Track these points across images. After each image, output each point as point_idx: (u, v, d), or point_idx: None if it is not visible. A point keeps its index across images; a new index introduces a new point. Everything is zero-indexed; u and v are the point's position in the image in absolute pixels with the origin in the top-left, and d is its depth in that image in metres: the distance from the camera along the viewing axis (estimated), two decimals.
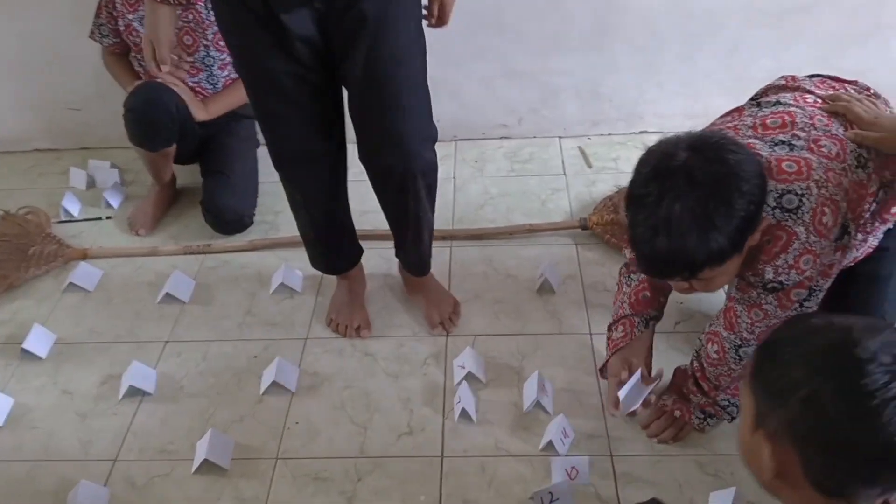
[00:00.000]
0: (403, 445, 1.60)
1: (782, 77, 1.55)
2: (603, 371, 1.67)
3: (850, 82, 1.52)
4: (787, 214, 1.27)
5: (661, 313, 1.64)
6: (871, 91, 1.50)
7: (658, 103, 2.49)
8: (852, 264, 1.53)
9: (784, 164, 1.29)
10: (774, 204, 1.27)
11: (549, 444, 1.55)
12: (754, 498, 1.42)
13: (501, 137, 2.59)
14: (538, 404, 1.63)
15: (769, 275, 1.31)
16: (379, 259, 2.06)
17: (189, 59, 2.21)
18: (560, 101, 2.51)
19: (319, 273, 1.99)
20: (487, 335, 1.84)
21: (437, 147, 1.64)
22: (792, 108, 1.41)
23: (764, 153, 1.31)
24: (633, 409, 1.51)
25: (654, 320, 1.63)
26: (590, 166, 2.43)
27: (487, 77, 2.47)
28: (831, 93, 1.46)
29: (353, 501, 1.51)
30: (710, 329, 1.51)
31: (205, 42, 2.21)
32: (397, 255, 1.90)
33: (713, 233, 1.17)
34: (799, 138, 1.34)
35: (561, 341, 1.81)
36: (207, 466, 1.56)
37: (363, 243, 1.93)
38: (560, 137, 2.57)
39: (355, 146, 1.63)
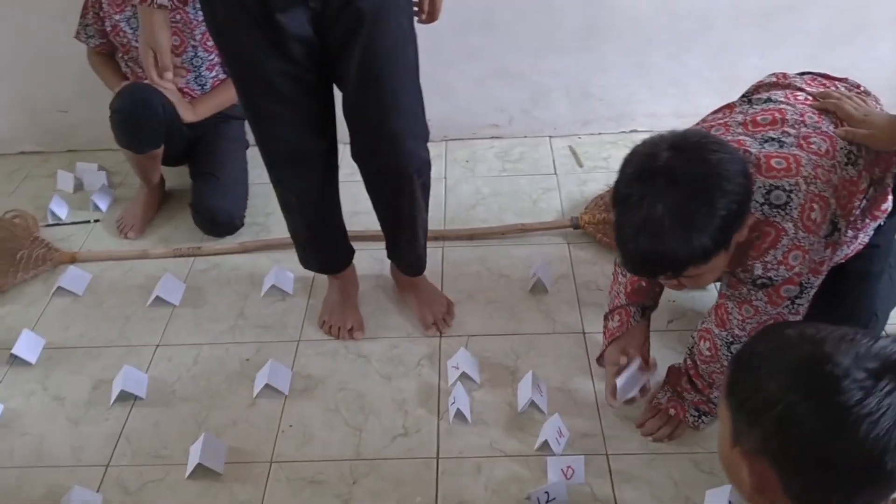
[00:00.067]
0: (398, 447, 1.60)
1: (773, 74, 1.56)
2: (600, 360, 1.67)
3: (840, 80, 1.53)
4: (775, 210, 1.28)
5: (657, 303, 1.65)
6: (862, 88, 1.51)
7: (648, 103, 2.50)
8: (843, 261, 1.54)
9: (773, 161, 1.30)
10: (763, 200, 1.28)
11: (545, 444, 1.54)
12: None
13: (492, 137, 2.59)
14: (533, 404, 1.63)
15: (758, 271, 1.32)
16: (371, 260, 2.05)
17: (177, 60, 2.19)
18: (551, 100, 2.51)
19: (311, 274, 1.99)
20: (481, 335, 1.84)
21: (429, 147, 1.64)
22: (783, 106, 1.42)
23: (753, 150, 1.32)
24: (630, 396, 1.52)
25: (650, 309, 1.64)
26: (581, 166, 2.43)
27: (478, 77, 2.47)
28: (822, 90, 1.47)
29: None
30: (702, 326, 1.51)
31: (193, 43, 2.19)
32: (390, 256, 1.90)
33: (695, 233, 1.18)
34: (789, 135, 1.35)
35: (555, 341, 1.81)
36: (201, 471, 1.55)
37: (354, 244, 1.92)
38: (551, 137, 2.58)
39: (345, 146, 1.63)
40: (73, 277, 2.07)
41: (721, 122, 1.45)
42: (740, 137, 1.37)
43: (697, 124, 1.52)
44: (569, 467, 1.50)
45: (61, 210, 2.36)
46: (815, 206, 1.28)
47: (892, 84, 2.27)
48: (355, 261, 1.93)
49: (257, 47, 1.42)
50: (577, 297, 1.93)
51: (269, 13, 1.36)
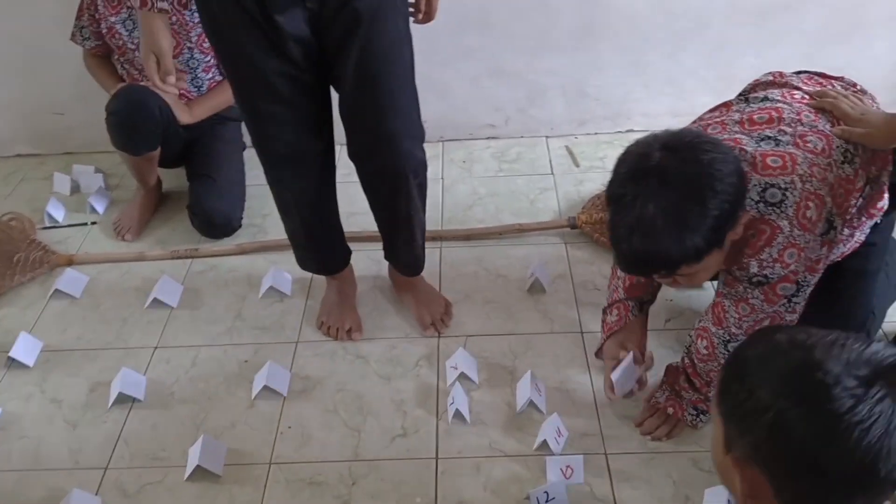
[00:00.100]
0: (397, 448, 1.60)
1: (770, 73, 1.56)
2: (598, 354, 1.69)
3: (836, 78, 1.54)
4: (770, 208, 1.28)
5: (655, 297, 1.66)
6: (858, 87, 1.52)
7: (644, 102, 2.50)
8: (840, 260, 1.54)
9: (769, 159, 1.30)
10: (758, 198, 1.29)
11: (544, 444, 1.55)
12: None
13: (489, 137, 2.60)
14: (531, 404, 1.63)
15: (754, 268, 1.32)
16: (368, 261, 2.05)
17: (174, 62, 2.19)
18: (547, 100, 2.51)
19: (309, 276, 1.99)
20: (479, 335, 1.84)
21: (425, 147, 1.65)
22: (779, 104, 1.43)
23: (749, 148, 1.32)
24: (627, 389, 1.54)
25: (648, 304, 1.65)
26: (577, 165, 2.44)
27: (474, 77, 2.47)
28: (818, 89, 1.48)
29: None
30: (699, 325, 1.52)
31: (188, 44, 2.19)
32: (387, 257, 1.90)
33: (687, 233, 1.18)
34: (785, 133, 1.35)
35: (553, 340, 1.82)
36: (200, 473, 1.55)
37: (351, 245, 1.92)
38: (547, 137, 2.58)
39: (342, 147, 1.63)
40: (71, 280, 2.06)
41: (718, 120, 1.45)
42: (737, 136, 1.37)
43: (694, 122, 1.53)
44: (568, 467, 1.50)
45: (58, 212, 2.36)
46: (811, 204, 1.28)
47: (888, 83, 2.28)
48: (353, 262, 1.93)
49: (256, 48, 1.42)
50: (574, 297, 1.93)
51: (267, 14, 1.37)
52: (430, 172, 1.75)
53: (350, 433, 1.64)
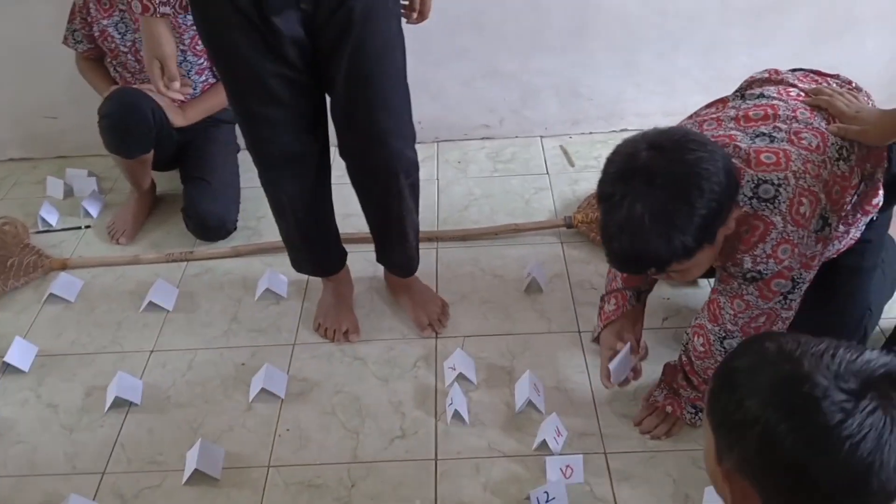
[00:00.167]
0: (396, 449, 1.59)
1: (766, 70, 1.57)
2: (596, 340, 1.71)
3: (832, 76, 1.54)
4: (763, 204, 1.29)
5: (652, 287, 1.67)
6: (853, 85, 1.52)
7: (637, 102, 2.51)
8: (835, 257, 1.55)
9: (763, 156, 1.31)
10: (751, 194, 1.29)
11: (543, 444, 1.54)
12: None
13: (483, 138, 2.60)
14: (530, 404, 1.63)
15: (748, 264, 1.33)
16: (364, 262, 2.05)
17: None
18: (541, 100, 2.52)
19: (305, 278, 1.98)
20: (477, 336, 1.84)
21: (420, 149, 1.66)
22: (775, 101, 1.44)
23: (743, 145, 1.33)
24: (622, 378, 1.56)
25: (646, 293, 1.66)
26: (572, 165, 2.44)
27: (468, 78, 2.47)
28: (814, 87, 1.48)
29: None
30: (695, 322, 1.52)
31: (181, 47, 2.18)
32: (379, 259, 1.90)
33: (675, 232, 1.19)
34: (780, 130, 1.36)
35: (550, 340, 1.82)
36: (198, 477, 1.54)
37: (347, 247, 1.91)
38: (541, 137, 2.58)
39: (336, 148, 1.63)
40: (65, 284, 2.05)
41: (713, 116, 1.46)
42: (732, 132, 1.38)
43: (690, 118, 1.54)
44: (567, 467, 1.50)
45: (51, 216, 2.35)
46: (804, 200, 1.29)
47: (880, 81, 2.29)
48: (349, 263, 1.92)
49: (252, 50, 1.41)
50: (571, 297, 1.93)
51: (264, 16, 1.36)
52: (425, 173, 1.75)
53: (349, 435, 1.63)
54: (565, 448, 1.56)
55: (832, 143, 1.36)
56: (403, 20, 1.56)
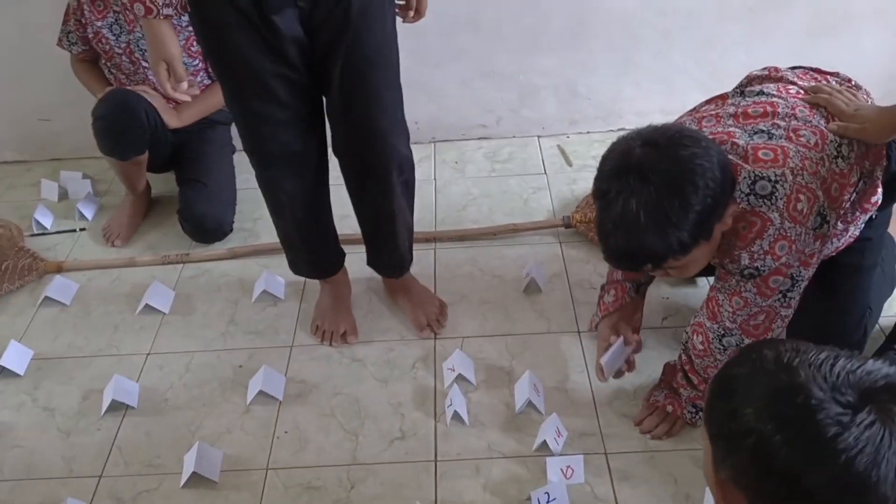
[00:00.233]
0: (396, 451, 1.59)
1: (765, 68, 1.57)
2: (592, 328, 1.73)
3: (831, 74, 1.54)
4: (761, 201, 1.29)
5: (652, 279, 1.67)
6: (853, 82, 1.52)
7: (635, 100, 2.51)
8: (835, 255, 1.55)
9: (760, 152, 1.31)
10: (748, 190, 1.29)
11: (543, 444, 1.54)
12: None
13: (480, 138, 2.59)
14: (530, 404, 1.62)
15: (745, 261, 1.33)
16: (362, 263, 2.02)
17: None
18: (538, 100, 2.51)
19: (302, 279, 1.97)
20: (476, 337, 1.83)
21: (417, 149, 1.68)
22: (774, 99, 1.43)
23: (741, 141, 1.33)
24: (616, 370, 1.57)
25: (645, 285, 1.66)
26: (570, 165, 2.43)
27: (465, 78, 2.46)
28: (813, 84, 1.48)
29: None
30: (694, 320, 1.52)
31: None
32: (369, 261, 1.89)
33: (670, 228, 1.20)
34: (779, 127, 1.36)
35: (550, 340, 1.81)
36: (196, 480, 1.53)
37: (345, 248, 1.90)
38: (539, 137, 2.58)
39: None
40: (60, 287, 2.04)
41: (712, 113, 1.46)
42: (730, 129, 1.38)
43: (690, 114, 1.53)
44: (568, 467, 1.49)
45: (46, 219, 2.33)
46: (802, 196, 1.29)
47: (877, 78, 2.29)
48: (347, 264, 1.91)
49: (251, 50, 1.40)
50: (570, 297, 1.92)
51: (263, 15, 1.36)
52: (423, 174, 1.75)
53: (348, 437, 1.62)
54: (566, 448, 1.55)
55: (831, 141, 1.36)
56: (399, 19, 1.56)
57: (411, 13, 1.59)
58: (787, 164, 1.29)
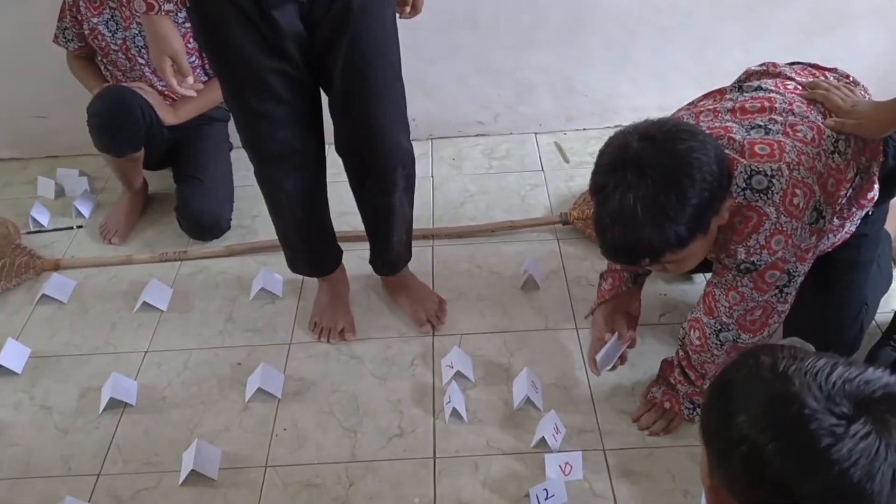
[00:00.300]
0: (395, 448, 1.59)
1: (763, 63, 1.57)
2: (589, 317, 1.74)
3: (829, 70, 1.55)
4: (757, 195, 1.29)
5: (650, 271, 1.67)
6: (851, 78, 1.52)
7: (631, 97, 2.51)
8: (831, 251, 1.55)
9: (757, 147, 1.32)
10: (744, 184, 1.30)
11: (542, 441, 1.54)
12: None
13: (478, 135, 2.59)
14: (528, 401, 1.63)
15: (741, 255, 1.33)
16: (359, 261, 2.03)
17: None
18: (535, 96, 2.51)
19: (300, 277, 1.97)
20: (474, 334, 1.83)
21: (414, 146, 1.66)
22: (772, 94, 1.44)
23: (738, 136, 1.34)
24: (609, 366, 1.58)
25: (643, 276, 1.67)
26: (567, 161, 2.43)
27: (462, 74, 2.46)
28: (811, 80, 1.48)
29: None
30: (691, 316, 1.53)
31: None
32: (372, 260, 1.89)
33: (667, 222, 1.20)
34: (776, 122, 1.37)
35: (548, 337, 1.81)
36: (195, 477, 1.53)
37: (342, 245, 1.91)
38: (536, 133, 2.57)
39: (330, 146, 1.63)
40: (58, 285, 2.03)
41: (710, 108, 1.46)
42: (727, 124, 1.39)
43: (688, 108, 1.54)
44: (567, 464, 1.49)
45: (43, 217, 2.33)
46: (798, 191, 1.29)
47: (872, 74, 2.27)
48: (344, 262, 1.91)
49: (251, 46, 1.40)
50: (568, 293, 1.93)
51: (263, 10, 1.35)
52: (420, 171, 1.75)
53: (346, 434, 1.62)
54: (564, 445, 1.56)
55: (827, 136, 1.36)
56: (396, 14, 1.56)
57: (408, 9, 1.59)
58: (783, 159, 1.30)
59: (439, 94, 2.48)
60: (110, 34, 2.15)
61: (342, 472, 1.55)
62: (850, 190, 1.42)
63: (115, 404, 1.70)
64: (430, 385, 1.72)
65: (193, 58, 2.21)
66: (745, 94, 1.47)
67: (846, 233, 1.54)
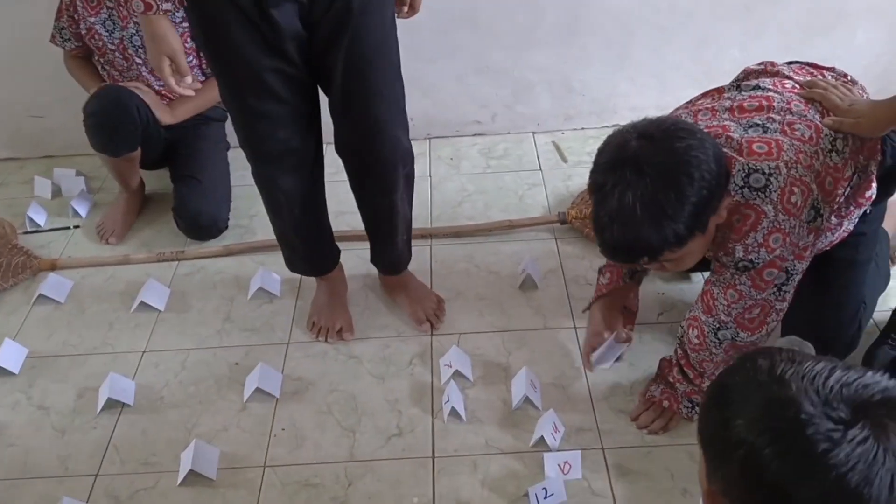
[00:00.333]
0: (393, 447, 1.59)
1: (761, 62, 1.57)
2: (586, 311, 1.75)
3: (827, 69, 1.55)
4: (755, 193, 1.30)
5: (648, 269, 1.67)
6: (849, 77, 1.52)
7: (630, 96, 2.51)
8: (829, 249, 1.56)
9: (755, 146, 1.32)
10: (742, 183, 1.30)
11: (541, 440, 1.54)
12: None
13: (475, 134, 2.59)
14: (527, 400, 1.63)
15: (739, 253, 1.33)
16: (357, 260, 2.04)
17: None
18: (533, 96, 2.51)
19: (298, 276, 1.97)
20: (472, 333, 1.83)
21: (412, 145, 1.65)
22: (770, 93, 1.44)
23: (736, 135, 1.34)
24: (605, 365, 1.61)
25: (641, 272, 1.68)
26: (565, 161, 2.43)
27: (460, 74, 2.46)
28: (809, 79, 1.49)
29: None
30: (689, 315, 1.53)
31: None
32: (373, 259, 1.89)
33: (666, 221, 1.20)
34: (774, 121, 1.37)
35: (546, 336, 1.81)
36: (193, 477, 1.53)
37: (340, 245, 1.90)
38: (534, 133, 2.57)
39: (328, 145, 1.62)
40: (54, 285, 2.03)
41: (708, 106, 1.47)
42: (725, 123, 1.39)
43: (686, 107, 1.54)
44: (565, 463, 1.49)
45: (40, 217, 2.32)
46: (796, 189, 1.29)
47: (870, 73, 2.30)
48: (342, 261, 1.91)
49: (250, 46, 1.40)
50: (566, 292, 1.93)
51: (262, 10, 1.35)
52: (418, 170, 1.75)
53: (345, 434, 1.62)
54: (563, 444, 1.55)
55: (825, 135, 1.37)
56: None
57: (405, 9, 1.59)
58: (781, 157, 1.30)
59: (437, 93, 2.48)
60: (107, 34, 2.14)
61: (341, 472, 1.54)
62: (848, 188, 1.42)
63: (112, 404, 1.70)
64: (429, 384, 1.71)
65: (191, 57, 2.20)
66: (743, 92, 1.47)
67: (844, 231, 1.54)
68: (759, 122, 1.37)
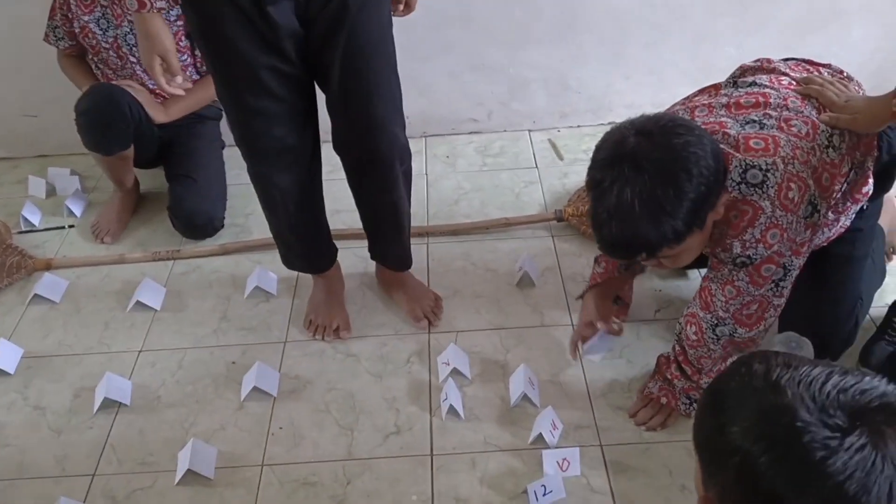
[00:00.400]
0: (392, 445, 1.58)
1: (758, 59, 1.57)
2: (580, 298, 1.76)
3: (823, 65, 1.55)
4: (752, 189, 1.30)
5: (646, 266, 1.70)
6: (845, 74, 1.53)
7: (626, 94, 2.51)
8: (826, 245, 1.56)
9: (751, 142, 1.32)
10: (739, 179, 1.30)
11: (539, 437, 1.54)
12: None
13: (471, 132, 2.58)
14: (525, 398, 1.62)
15: (737, 249, 1.34)
16: (355, 258, 2.03)
17: None
18: (529, 94, 2.51)
19: (295, 274, 1.97)
20: (470, 331, 1.83)
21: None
22: (767, 90, 1.44)
23: (733, 131, 1.34)
24: (593, 356, 1.63)
25: (638, 268, 1.70)
26: (561, 158, 2.43)
27: (455, 71, 2.45)
28: (805, 76, 1.49)
29: None
30: (687, 311, 1.53)
31: None
32: (373, 254, 1.88)
33: (664, 217, 1.20)
34: (770, 117, 1.37)
35: (544, 333, 1.81)
36: (191, 477, 1.52)
37: (337, 243, 1.90)
38: (530, 130, 2.57)
39: (325, 144, 1.62)
40: (50, 284, 2.02)
41: (705, 103, 1.47)
42: (722, 119, 1.39)
43: (683, 103, 1.54)
44: (564, 460, 1.49)
45: (34, 216, 2.31)
46: (793, 185, 1.30)
47: (866, 70, 2.29)
48: (339, 259, 1.91)
49: (247, 44, 1.39)
50: (563, 290, 1.93)
51: (260, 7, 1.34)
52: (415, 168, 1.76)
53: (343, 432, 1.62)
54: (561, 441, 1.55)
55: (822, 131, 1.37)
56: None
57: (401, 7, 1.59)
58: (778, 153, 1.30)
59: (433, 91, 2.48)
60: (101, 32, 2.13)
61: (339, 471, 1.54)
62: (845, 184, 1.43)
63: (109, 404, 1.69)
64: (427, 382, 1.71)
65: (185, 56, 2.19)
66: (739, 89, 1.47)
67: (841, 227, 1.55)
68: (756, 119, 1.37)
